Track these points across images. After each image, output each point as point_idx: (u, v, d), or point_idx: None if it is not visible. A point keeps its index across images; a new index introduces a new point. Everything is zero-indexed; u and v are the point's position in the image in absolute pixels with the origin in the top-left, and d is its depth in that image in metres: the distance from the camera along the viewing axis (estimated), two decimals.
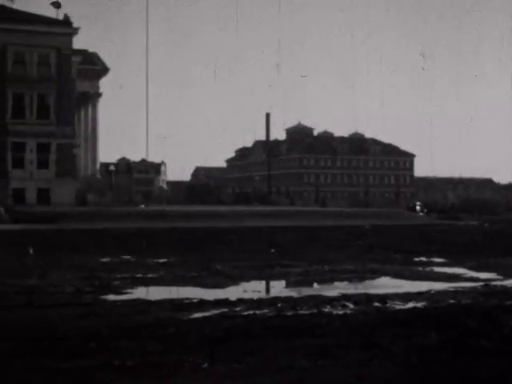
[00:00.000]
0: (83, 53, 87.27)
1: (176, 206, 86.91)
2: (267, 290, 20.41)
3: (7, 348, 10.94)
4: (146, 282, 20.33)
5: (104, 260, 27.15)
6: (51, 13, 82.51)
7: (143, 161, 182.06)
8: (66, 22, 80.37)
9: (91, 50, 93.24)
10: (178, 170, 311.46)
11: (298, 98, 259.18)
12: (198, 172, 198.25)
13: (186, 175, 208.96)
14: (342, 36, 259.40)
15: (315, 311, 14.95)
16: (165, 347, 11.11)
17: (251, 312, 14.71)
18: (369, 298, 16.86)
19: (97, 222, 58.71)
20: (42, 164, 77.34)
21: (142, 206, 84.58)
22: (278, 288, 20.29)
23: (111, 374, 9.55)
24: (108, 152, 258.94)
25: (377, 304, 16.07)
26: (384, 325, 13.38)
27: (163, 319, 13.73)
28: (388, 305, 16.02)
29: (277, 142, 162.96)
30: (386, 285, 20.48)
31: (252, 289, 19.07)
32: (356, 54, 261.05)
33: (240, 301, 16.26)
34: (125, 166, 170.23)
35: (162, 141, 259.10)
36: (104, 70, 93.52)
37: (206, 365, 10.02)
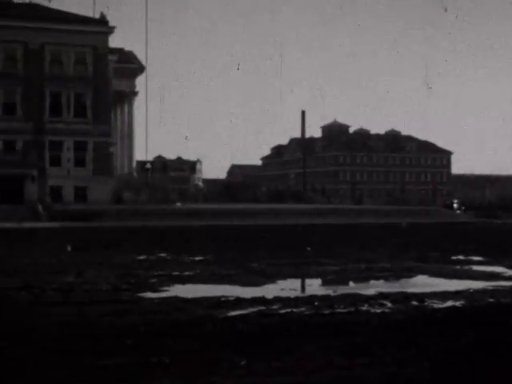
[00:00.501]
0: (119, 51, 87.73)
1: (212, 204, 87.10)
2: (304, 288, 20.35)
3: (46, 345, 11.02)
4: (183, 280, 20.37)
5: (140, 258, 27.28)
6: (87, 11, 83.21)
7: (179, 159, 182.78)
8: (102, 20, 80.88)
9: (127, 48, 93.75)
10: (214, 168, 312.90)
11: (334, 95, 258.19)
12: (234, 170, 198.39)
13: (221, 173, 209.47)
14: (376, 32, 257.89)
15: (352, 309, 14.88)
16: (202, 345, 11.11)
17: (288, 310, 14.68)
18: (406, 296, 16.74)
19: (133, 220, 59.05)
20: (79, 162, 77.94)
21: (178, 203, 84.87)
22: (315, 286, 20.22)
23: (148, 371, 9.57)
24: (144, 150, 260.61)
25: (414, 303, 15.95)
26: (422, 324, 13.27)
27: (200, 317, 13.74)
28: (426, 303, 15.89)
29: (312, 139, 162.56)
30: (423, 283, 20.33)
31: (288, 287, 19.03)
32: (390, 50, 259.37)
33: (277, 299, 16.23)
34: (161, 164, 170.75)
35: (198, 138, 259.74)
36: (140, 69, 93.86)
37: (244, 362, 10.00)
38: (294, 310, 14.77)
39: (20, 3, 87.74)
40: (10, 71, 76.18)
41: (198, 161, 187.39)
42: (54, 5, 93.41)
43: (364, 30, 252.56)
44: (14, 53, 76.72)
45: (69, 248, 30.96)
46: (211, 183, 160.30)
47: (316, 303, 15.67)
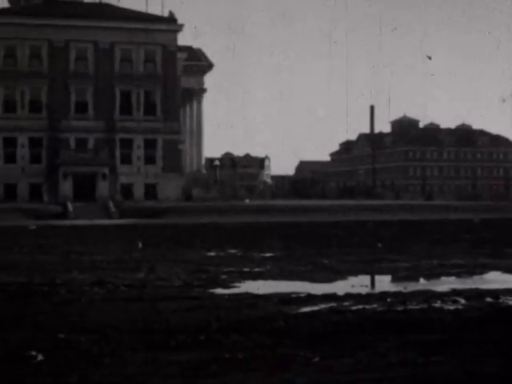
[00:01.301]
0: (188, 49, 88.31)
1: (280, 201, 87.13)
2: (375, 284, 20.18)
3: (122, 341, 11.14)
4: (253, 276, 20.39)
5: (211, 254, 27.42)
6: (156, 10, 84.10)
7: (247, 155, 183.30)
8: (171, 19, 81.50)
9: (196, 45, 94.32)
10: (282, 165, 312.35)
11: (403, 89, 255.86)
12: (302, 166, 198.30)
13: (290, 169, 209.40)
14: (446, 26, 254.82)
15: (425, 306, 14.69)
16: (274, 341, 11.09)
17: (360, 307, 14.56)
18: (480, 293, 16.46)
19: (202, 217, 59.46)
20: (149, 160, 78.80)
21: (247, 200, 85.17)
22: (386, 282, 20.03)
23: (222, 367, 9.59)
24: (213, 147, 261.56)
25: (489, 299, 15.66)
26: (497, 321, 13.04)
27: (272, 313, 13.73)
28: (500, 300, 15.59)
29: (381, 134, 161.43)
30: (497, 280, 19.96)
31: (360, 283, 18.90)
32: (459, 44, 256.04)
33: (348, 295, 16.12)
34: (229, 160, 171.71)
35: (267, 135, 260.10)
36: (209, 66, 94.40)
37: (316, 359, 9.95)
38: (366, 306, 14.65)
39: (90, 3, 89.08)
40: (81, 70, 77.46)
41: (267, 157, 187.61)
42: (124, 4, 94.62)
43: (431, 26, 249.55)
44: (84, 52, 77.96)
45: (140, 244, 31.31)
46: (279, 180, 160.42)
47: (388, 300, 15.52)
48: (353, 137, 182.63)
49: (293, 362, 9.82)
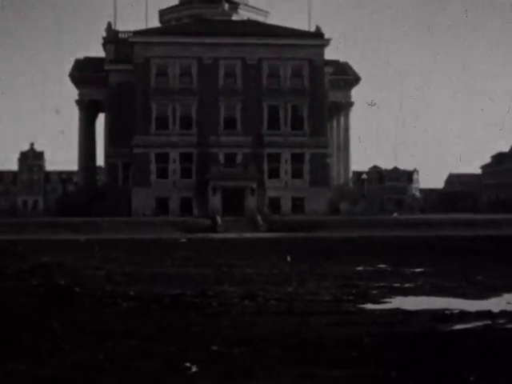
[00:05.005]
0: (335, 63, 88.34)
1: (429, 215, 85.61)
2: None
3: (274, 354, 11.18)
4: (404, 292, 20.03)
5: (359, 268, 27.18)
6: (303, 25, 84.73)
7: (395, 169, 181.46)
8: (318, 33, 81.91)
9: (343, 59, 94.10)
10: (431, 178, 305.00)
11: None
12: (452, 179, 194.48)
13: (439, 183, 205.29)
14: None
15: None
16: (429, 358, 10.84)
17: None
18: None
19: (350, 230, 59.17)
20: (296, 174, 79.31)
21: (395, 214, 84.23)
22: None
23: None
24: (360, 160, 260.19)
25: None
26: None
27: (425, 330, 13.44)
28: None
29: None
30: None
31: None
32: None
33: (503, 313, 15.57)
34: (376, 174, 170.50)
35: (415, 148, 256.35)
36: (356, 80, 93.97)
37: (472, 378, 9.65)
38: None
39: (238, 20, 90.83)
40: (230, 87, 78.97)
41: (415, 170, 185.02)
42: (270, 20, 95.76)
43: None
44: (233, 69, 79.47)
45: (288, 258, 31.42)
46: (428, 193, 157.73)
47: None
48: (505, 149, 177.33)
49: (448, 381, 9.57)
